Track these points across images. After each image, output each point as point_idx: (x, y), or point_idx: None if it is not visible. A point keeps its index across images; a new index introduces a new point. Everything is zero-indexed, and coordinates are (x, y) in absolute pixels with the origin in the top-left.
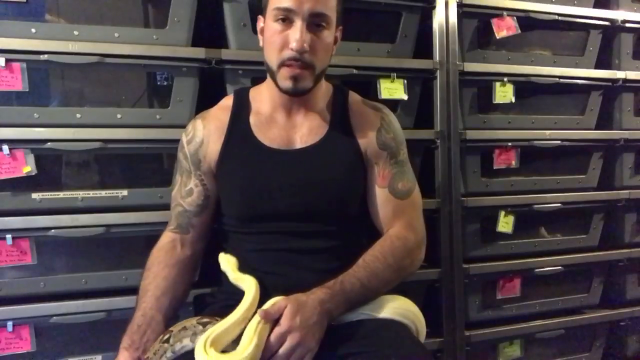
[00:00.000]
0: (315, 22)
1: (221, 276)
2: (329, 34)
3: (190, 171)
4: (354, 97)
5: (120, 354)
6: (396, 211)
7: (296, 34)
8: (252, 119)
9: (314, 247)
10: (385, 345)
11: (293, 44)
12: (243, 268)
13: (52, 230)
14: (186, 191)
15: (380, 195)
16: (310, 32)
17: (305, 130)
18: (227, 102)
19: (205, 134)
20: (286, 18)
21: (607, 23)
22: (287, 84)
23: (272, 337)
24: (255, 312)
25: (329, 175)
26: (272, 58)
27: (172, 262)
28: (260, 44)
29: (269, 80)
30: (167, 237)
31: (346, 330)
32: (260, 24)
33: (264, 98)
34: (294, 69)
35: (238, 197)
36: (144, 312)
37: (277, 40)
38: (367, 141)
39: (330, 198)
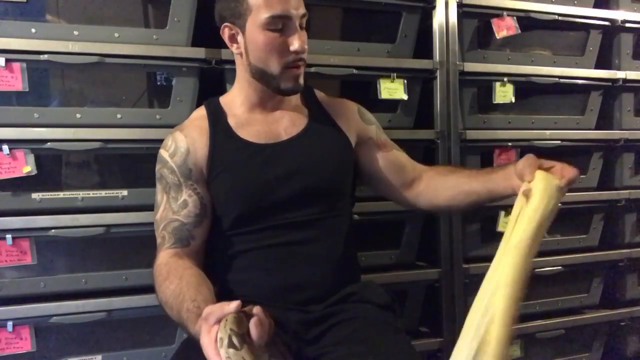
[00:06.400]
0: (301, 23)
1: (219, 278)
2: None
3: (179, 184)
4: (319, 93)
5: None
6: (413, 161)
7: (297, 36)
8: (231, 121)
9: (312, 237)
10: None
11: (296, 46)
12: (241, 269)
13: (52, 230)
14: (179, 205)
15: (395, 158)
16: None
17: (287, 123)
18: (200, 112)
19: (189, 142)
20: (283, 25)
21: (607, 23)
22: (290, 84)
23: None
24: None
25: (321, 157)
26: (272, 64)
27: (187, 265)
28: (235, 51)
29: (240, 85)
30: (166, 254)
31: (340, 333)
32: (230, 32)
33: (237, 102)
34: (298, 69)
35: (237, 195)
36: (193, 303)
37: (277, 46)
38: (353, 124)
39: (326, 178)
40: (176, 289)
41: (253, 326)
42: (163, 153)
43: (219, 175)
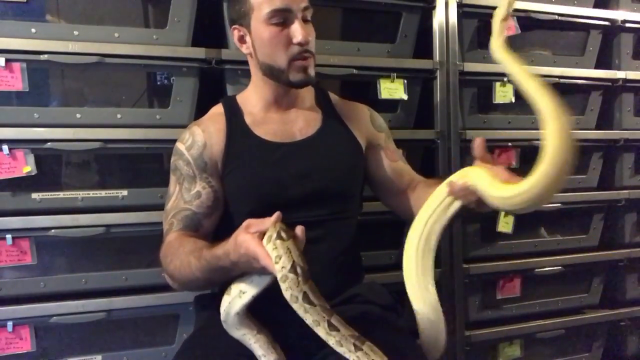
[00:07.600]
0: (304, 16)
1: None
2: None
3: (194, 176)
4: (333, 96)
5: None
6: (412, 170)
7: (298, 28)
8: (248, 119)
9: (319, 238)
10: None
11: (299, 38)
12: None
13: (52, 230)
14: (192, 195)
15: (399, 167)
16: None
17: (302, 124)
18: (218, 109)
19: (206, 136)
20: (285, 18)
21: (607, 23)
22: (299, 76)
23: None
24: None
25: (333, 159)
26: (278, 58)
27: (198, 240)
28: (245, 51)
29: (255, 84)
30: (174, 234)
31: None
32: (239, 33)
33: (253, 101)
34: (304, 61)
35: (250, 192)
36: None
37: (281, 40)
38: (364, 129)
39: (337, 181)
40: (192, 247)
41: (299, 229)
42: (179, 145)
43: (233, 171)
